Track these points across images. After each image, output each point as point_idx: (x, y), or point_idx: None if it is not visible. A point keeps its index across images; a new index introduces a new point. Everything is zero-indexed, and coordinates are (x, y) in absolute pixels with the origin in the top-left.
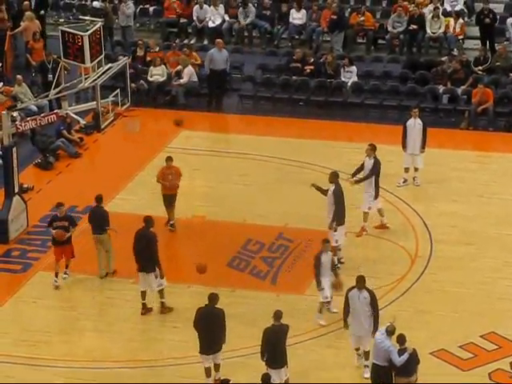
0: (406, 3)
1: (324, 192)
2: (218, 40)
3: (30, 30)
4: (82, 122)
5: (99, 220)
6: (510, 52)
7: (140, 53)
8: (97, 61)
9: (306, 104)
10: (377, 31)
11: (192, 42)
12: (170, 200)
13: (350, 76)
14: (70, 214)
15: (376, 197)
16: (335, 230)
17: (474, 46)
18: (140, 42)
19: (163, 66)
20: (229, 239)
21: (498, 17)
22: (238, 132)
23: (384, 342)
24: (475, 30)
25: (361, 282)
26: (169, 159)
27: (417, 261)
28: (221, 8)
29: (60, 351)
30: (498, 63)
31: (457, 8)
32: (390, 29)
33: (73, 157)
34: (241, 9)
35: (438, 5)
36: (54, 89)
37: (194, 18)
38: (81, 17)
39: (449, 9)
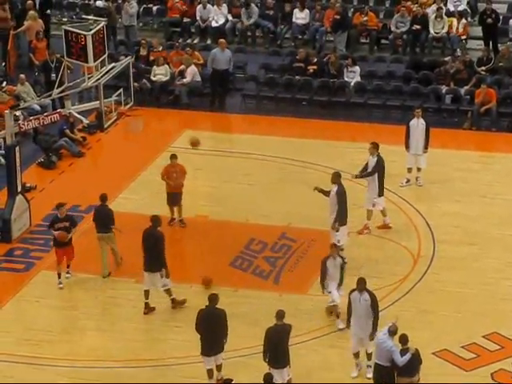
0: (409, 3)
1: (327, 194)
2: (221, 40)
3: (33, 29)
4: (85, 121)
5: (104, 219)
6: None
7: (143, 52)
8: (100, 60)
9: (309, 104)
10: (380, 31)
11: (195, 41)
12: (174, 198)
13: (353, 76)
14: (73, 213)
15: (380, 194)
16: (337, 230)
17: (477, 47)
18: (143, 41)
19: (166, 66)
20: (232, 239)
21: (501, 17)
22: (241, 132)
23: (386, 342)
24: (478, 31)
25: (361, 285)
26: (173, 157)
27: (419, 261)
28: (224, 8)
29: (62, 350)
30: (501, 63)
31: (460, 8)
32: (393, 29)
33: (76, 156)
34: (243, 9)
35: (442, 5)
36: (57, 88)
37: (198, 17)
38: (84, 16)
39: (452, 9)
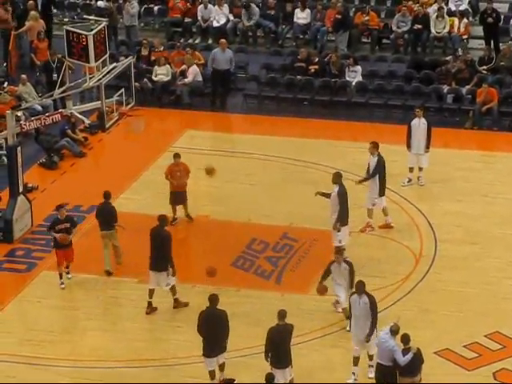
0: (410, 3)
1: (328, 196)
2: (222, 40)
3: (34, 29)
4: (87, 121)
5: (107, 216)
6: None
7: (144, 52)
8: (101, 60)
9: (310, 104)
10: (381, 31)
11: (196, 41)
12: (178, 197)
13: (354, 75)
14: (75, 213)
15: (381, 194)
16: (339, 231)
17: (478, 46)
18: (144, 41)
19: (168, 66)
20: (233, 239)
21: (502, 16)
22: (242, 132)
23: (388, 342)
24: (480, 30)
25: (360, 288)
26: (177, 156)
27: (421, 260)
28: (225, 8)
29: (64, 351)
30: (502, 63)
31: (461, 8)
32: (394, 28)
33: (77, 156)
34: (244, 11)
35: (443, 4)
36: (58, 88)
37: (199, 17)
38: (85, 16)
39: (453, 8)
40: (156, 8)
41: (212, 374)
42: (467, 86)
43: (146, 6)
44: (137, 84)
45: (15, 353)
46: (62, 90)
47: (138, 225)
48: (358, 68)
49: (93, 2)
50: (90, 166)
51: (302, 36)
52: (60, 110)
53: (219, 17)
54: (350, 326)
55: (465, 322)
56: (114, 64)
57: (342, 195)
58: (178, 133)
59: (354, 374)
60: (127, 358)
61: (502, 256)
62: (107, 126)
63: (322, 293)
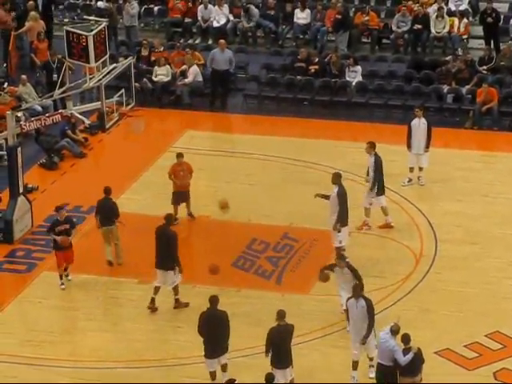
0: (410, 3)
1: (328, 198)
2: (221, 41)
3: (34, 30)
4: (87, 121)
5: (108, 212)
6: None
7: (144, 53)
8: (101, 61)
9: (310, 104)
10: (381, 31)
11: (197, 41)
12: (181, 197)
13: (354, 76)
14: (75, 214)
15: (379, 193)
16: (339, 231)
17: (478, 46)
18: (144, 41)
19: (168, 66)
20: (234, 239)
21: (502, 16)
22: (242, 132)
23: (388, 342)
24: (479, 30)
25: (357, 291)
26: (179, 156)
27: (421, 260)
28: (225, 8)
29: (65, 351)
30: (502, 63)
31: (461, 8)
32: (394, 28)
33: (77, 157)
34: (243, 13)
35: (443, 4)
36: (58, 89)
37: (199, 17)
38: (85, 17)
39: (453, 8)
40: (156, 8)
41: (213, 375)
42: (467, 86)
43: (145, 6)
44: (137, 84)
45: (16, 353)
46: (62, 90)
47: (139, 225)
48: (358, 68)
49: (93, 3)
50: (90, 166)
51: (302, 36)
52: (60, 111)
53: (219, 17)
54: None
55: (465, 322)
56: (114, 64)
57: (342, 196)
58: (178, 133)
59: (353, 377)
60: (127, 358)
61: (502, 256)
62: (107, 126)
63: (325, 281)
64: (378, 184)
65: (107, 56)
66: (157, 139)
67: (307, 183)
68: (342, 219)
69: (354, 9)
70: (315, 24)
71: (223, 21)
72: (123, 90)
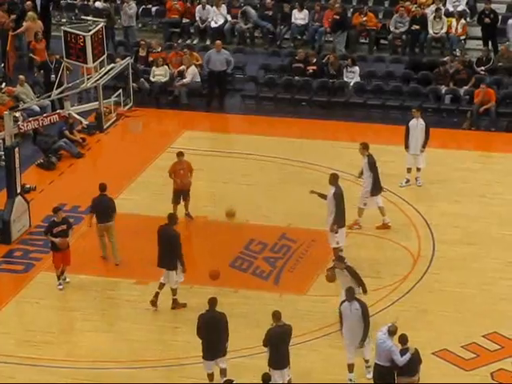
0: (408, 3)
1: (324, 197)
2: (217, 42)
3: (32, 30)
4: (85, 122)
5: (105, 208)
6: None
7: (142, 53)
8: (99, 61)
9: (308, 104)
10: (379, 31)
11: (194, 42)
12: (181, 195)
13: (352, 76)
14: (73, 214)
15: (373, 194)
16: (336, 232)
17: (476, 47)
18: (142, 42)
19: (166, 67)
20: (231, 239)
21: (501, 17)
22: (240, 132)
23: (386, 342)
24: (477, 31)
25: (350, 294)
26: (180, 154)
27: (419, 261)
28: (223, 8)
29: (62, 351)
30: (500, 63)
31: (459, 8)
32: (392, 29)
33: (75, 157)
34: (240, 15)
35: (440, 5)
36: (56, 89)
37: (197, 18)
38: (83, 17)
39: (451, 9)
40: (154, 9)
41: (210, 376)
42: (465, 87)
43: (143, 6)
44: (134, 85)
45: (13, 354)
46: (59, 90)
47: (136, 225)
48: (356, 69)
49: (91, 3)
50: (88, 166)
51: (300, 37)
52: (58, 111)
53: (217, 17)
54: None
55: (462, 323)
56: (112, 65)
57: (338, 197)
58: (176, 133)
59: (350, 380)
60: (125, 358)
61: (499, 256)
62: (105, 126)
63: (332, 280)
64: (373, 184)
65: (105, 56)
66: (154, 139)
67: (305, 184)
68: (339, 220)
69: (351, 9)
70: (313, 24)
71: (221, 21)
72: (121, 91)
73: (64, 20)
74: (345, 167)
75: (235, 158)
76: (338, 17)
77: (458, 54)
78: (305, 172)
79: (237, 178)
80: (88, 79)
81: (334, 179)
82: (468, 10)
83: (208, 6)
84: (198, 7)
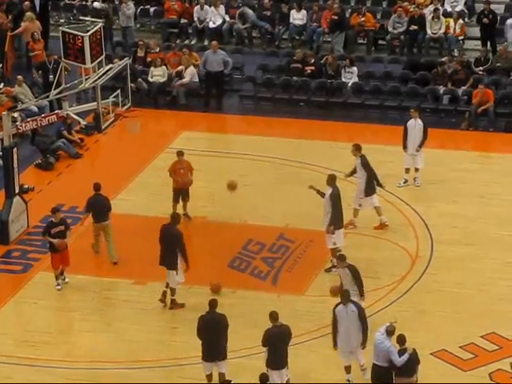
0: (406, 4)
1: (322, 194)
2: (213, 42)
3: (30, 30)
4: (83, 122)
5: (101, 208)
6: (510, 52)
7: (141, 53)
8: (97, 61)
9: (306, 104)
10: (377, 32)
11: (193, 42)
12: (181, 195)
13: (350, 77)
14: (71, 214)
15: (367, 194)
16: (333, 233)
17: (474, 47)
18: (141, 42)
19: (164, 67)
20: (229, 240)
21: (499, 17)
22: (238, 132)
23: (384, 343)
24: (475, 31)
25: (346, 297)
26: (180, 154)
27: (417, 261)
28: (221, 9)
29: (60, 352)
30: (498, 64)
31: (457, 9)
32: (390, 29)
33: (73, 157)
34: (237, 16)
35: (439, 5)
36: (54, 89)
37: (195, 18)
38: (81, 17)
39: (449, 9)
40: (152, 9)
41: (208, 378)
42: (463, 87)
43: (142, 7)
44: (133, 85)
45: (11, 354)
46: (58, 91)
47: (135, 226)
48: (354, 69)
49: (89, 3)
50: (86, 167)
51: (298, 37)
52: (56, 111)
53: (215, 18)
54: (335, 342)
55: (461, 323)
56: (110, 65)
57: (335, 198)
58: (174, 134)
59: (348, 380)
60: (123, 359)
61: (498, 257)
62: (103, 127)
63: (335, 294)
64: (366, 184)
65: (103, 57)
66: (153, 140)
67: (303, 184)
68: (336, 221)
69: (350, 10)
70: (311, 25)
71: (219, 22)
72: (119, 91)
73: (62, 20)
74: (343, 167)
75: (233, 158)
76: (336, 17)
77: (456, 54)
78: (303, 172)
79: (235, 178)
80: (86, 80)
81: (331, 180)
82: (466, 11)
83: (206, 7)
84: (196, 7)
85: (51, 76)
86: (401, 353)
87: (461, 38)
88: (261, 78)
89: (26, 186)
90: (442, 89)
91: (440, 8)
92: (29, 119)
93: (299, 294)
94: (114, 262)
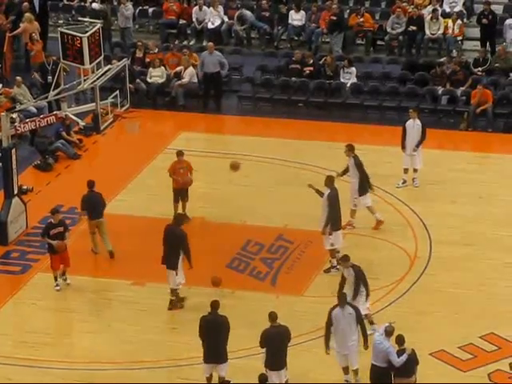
0: (404, 4)
1: (321, 193)
2: (209, 43)
3: (28, 31)
4: (82, 123)
5: (96, 205)
6: (508, 53)
7: (139, 54)
8: (96, 62)
9: (305, 105)
10: (376, 32)
11: (191, 43)
12: (180, 195)
13: (349, 77)
14: (70, 215)
15: (361, 193)
16: (330, 234)
17: (473, 47)
18: (139, 43)
19: (162, 68)
20: (228, 240)
21: (498, 18)
22: (237, 133)
23: (383, 343)
24: (474, 32)
25: (342, 300)
26: (179, 154)
27: (416, 262)
28: (220, 9)
29: (59, 353)
30: (497, 64)
31: (456, 9)
32: (389, 30)
33: (72, 158)
34: (236, 17)
35: (437, 6)
36: (53, 90)
37: (194, 19)
38: (80, 18)
39: (448, 10)
40: (151, 10)
41: (209, 379)
42: (462, 88)
43: (140, 7)
44: (131, 86)
45: (10, 355)
46: (56, 91)
47: (133, 226)
48: (353, 69)
49: (87, 4)
50: (85, 167)
51: (296, 38)
52: (55, 112)
53: (214, 19)
54: (327, 345)
55: (460, 324)
56: (109, 66)
57: (333, 199)
58: (172, 135)
59: (346, 381)
60: (122, 359)
61: (496, 257)
62: (102, 127)
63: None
64: (359, 184)
65: (102, 57)
66: (151, 141)
67: (302, 185)
68: (333, 222)
69: (348, 10)
70: (310, 25)
71: (218, 22)
72: (118, 92)
73: (61, 21)
74: (341, 168)
75: (232, 158)
76: (334, 18)
77: (454, 54)
78: (301, 173)
79: (233, 179)
80: (85, 80)
81: (329, 181)
82: (465, 11)
83: (205, 7)
84: (195, 8)
85: (50, 77)
86: (400, 353)
87: (459, 38)
88: (259, 79)
89: (24, 187)
90: (440, 89)
91: (439, 9)
92: (27, 120)
93: (298, 294)
94: (110, 251)
